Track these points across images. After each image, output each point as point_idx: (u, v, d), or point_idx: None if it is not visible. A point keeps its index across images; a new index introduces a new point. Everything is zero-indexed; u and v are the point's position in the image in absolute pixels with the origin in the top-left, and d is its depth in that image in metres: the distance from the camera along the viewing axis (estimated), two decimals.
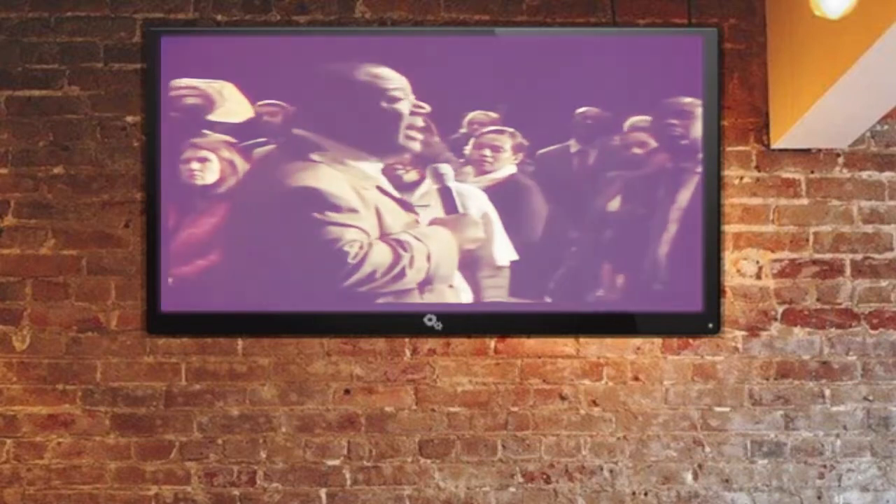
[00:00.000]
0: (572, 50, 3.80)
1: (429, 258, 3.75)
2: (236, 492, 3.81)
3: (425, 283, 3.75)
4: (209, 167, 3.78)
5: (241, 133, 3.77)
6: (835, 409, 3.84)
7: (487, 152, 3.76)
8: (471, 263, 3.75)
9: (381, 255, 3.74)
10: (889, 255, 3.87)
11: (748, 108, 3.88)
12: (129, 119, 3.86)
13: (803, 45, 3.46)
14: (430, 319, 3.77)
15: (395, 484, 3.81)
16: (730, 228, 3.85)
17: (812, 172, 3.88)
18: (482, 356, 3.83)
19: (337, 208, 3.74)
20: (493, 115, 3.77)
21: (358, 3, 3.90)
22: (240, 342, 3.83)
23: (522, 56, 3.79)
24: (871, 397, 3.84)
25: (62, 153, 3.86)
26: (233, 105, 3.77)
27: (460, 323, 3.78)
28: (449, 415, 3.83)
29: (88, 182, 3.85)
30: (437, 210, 3.76)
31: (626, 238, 3.76)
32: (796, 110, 3.56)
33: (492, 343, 3.83)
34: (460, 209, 3.76)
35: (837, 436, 3.84)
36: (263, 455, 3.82)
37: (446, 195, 3.77)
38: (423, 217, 3.75)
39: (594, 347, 3.83)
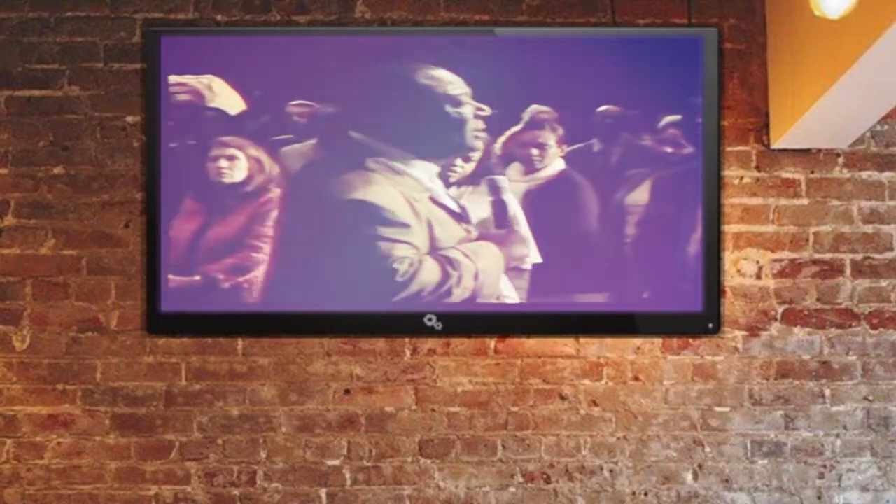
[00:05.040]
0: (569, 50, 3.79)
1: (476, 276, 3.74)
2: (236, 492, 3.81)
3: (470, 301, 3.74)
4: (237, 165, 3.78)
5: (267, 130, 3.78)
6: (835, 409, 3.84)
7: (535, 151, 3.75)
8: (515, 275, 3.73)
9: (430, 273, 3.73)
10: (889, 255, 3.87)
11: (748, 108, 3.88)
12: (129, 119, 3.86)
13: (803, 45, 3.46)
14: (430, 319, 3.76)
15: (395, 484, 3.82)
16: (730, 228, 3.85)
17: (812, 172, 3.88)
18: (482, 356, 3.83)
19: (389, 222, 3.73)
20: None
21: (358, 3, 3.90)
22: (240, 342, 3.83)
23: (523, 56, 3.79)
24: (871, 397, 3.84)
25: (62, 153, 3.86)
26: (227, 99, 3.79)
27: (460, 323, 3.78)
28: (449, 415, 3.83)
29: (88, 182, 3.85)
30: (489, 223, 3.75)
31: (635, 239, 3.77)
32: (796, 110, 3.56)
33: (492, 343, 3.83)
34: (512, 224, 3.74)
35: (837, 436, 3.84)
36: (263, 455, 3.82)
37: (500, 208, 3.75)
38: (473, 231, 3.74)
39: (594, 347, 3.83)
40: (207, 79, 3.77)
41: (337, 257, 3.74)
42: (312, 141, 3.76)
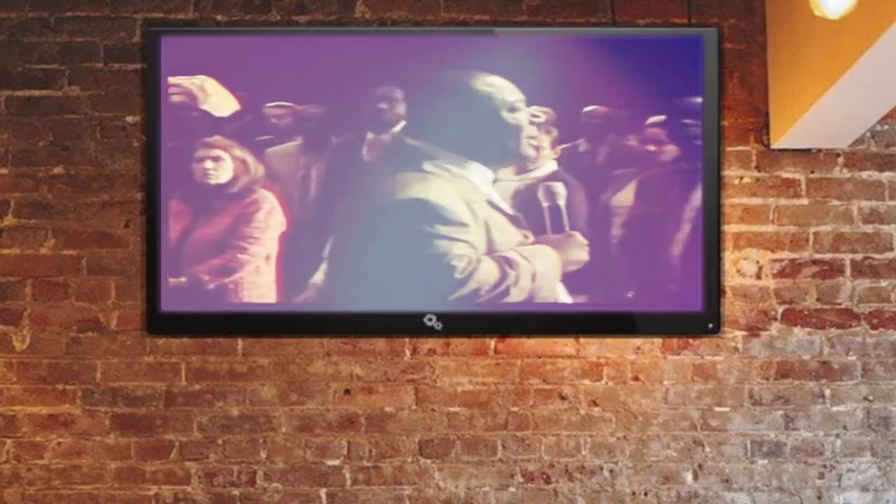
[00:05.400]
0: (570, 49, 3.80)
1: (533, 278, 3.74)
2: (236, 492, 3.81)
3: (526, 303, 3.75)
4: (223, 166, 3.79)
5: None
6: (835, 409, 3.84)
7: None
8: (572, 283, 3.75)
9: (487, 272, 3.74)
10: (889, 255, 3.87)
11: (748, 108, 3.88)
12: (129, 119, 3.87)
13: (803, 45, 3.46)
14: (430, 319, 3.76)
15: (395, 484, 3.82)
16: (730, 228, 3.85)
17: (812, 172, 3.88)
18: (482, 356, 3.83)
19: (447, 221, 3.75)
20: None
21: (358, 3, 3.90)
22: (240, 342, 3.83)
23: (520, 54, 3.79)
24: (871, 397, 3.84)
25: (62, 153, 3.86)
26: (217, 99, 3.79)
27: (460, 323, 3.78)
28: (449, 415, 3.83)
29: (88, 182, 3.86)
30: (545, 228, 3.76)
31: (630, 238, 3.77)
32: (796, 110, 3.56)
33: (492, 343, 3.83)
34: (566, 228, 3.75)
35: (837, 436, 3.84)
36: (263, 455, 3.82)
37: (555, 213, 3.75)
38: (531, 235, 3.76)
39: (594, 347, 3.83)
40: (200, 79, 3.77)
41: (392, 255, 3.74)
42: (300, 140, 3.77)
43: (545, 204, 3.75)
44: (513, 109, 3.74)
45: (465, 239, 3.73)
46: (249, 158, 3.77)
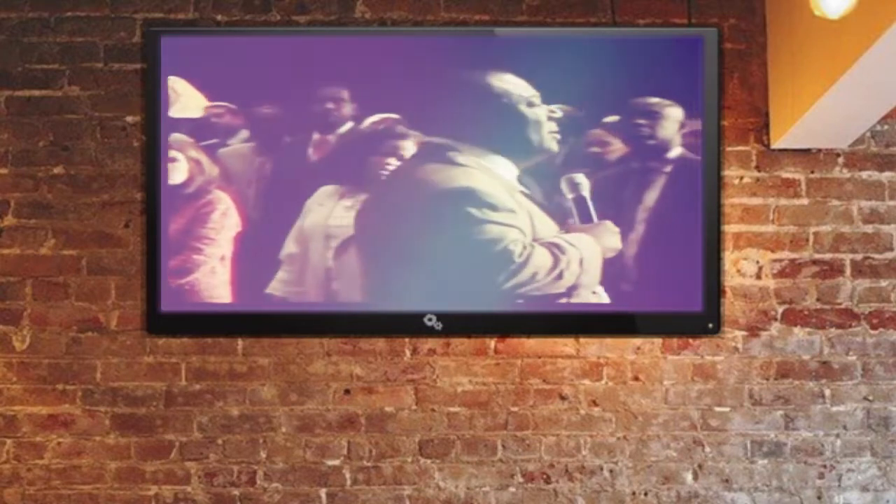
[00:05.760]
0: (571, 49, 3.80)
1: (581, 262, 3.75)
2: (236, 492, 3.81)
3: (573, 289, 3.76)
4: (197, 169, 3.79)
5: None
6: (835, 409, 3.84)
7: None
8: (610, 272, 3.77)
9: (542, 257, 3.76)
10: (889, 255, 3.87)
11: (748, 108, 3.88)
12: (129, 119, 3.87)
13: (803, 45, 3.46)
14: (430, 319, 3.77)
15: (395, 484, 3.82)
16: (730, 228, 3.85)
17: (812, 172, 3.89)
18: (482, 356, 3.83)
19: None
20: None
21: (358, 3, 3.90)
22: (240, 342, 3.83)
23: (525, 54, 3.79)
24: (871, 397, 3.84)
25: (62, 153, 3.86)
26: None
27: (460, 323, 3.78)
28: (449, 415, 3.83)
29: (88, 182, 3.86)
30: (574, 219, 3.77)
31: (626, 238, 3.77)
32: (796, 110, 3.56)
33: (492, 343, 3.83)
34: (595, 218, 3.76)
35: (837, 436, 3.84)
36: (263, 455, 3.82)
37: (581, 204, 3.77)
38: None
39: (594, 347, 3.83)
40: (172, 80, 3.77)
41: (448, 244, 3.75)
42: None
43: (570, 195, 3.76)
44: (531, 105, 3.76)
45: (515, 225, 3.75)
46: (204, 160, 3.78)
